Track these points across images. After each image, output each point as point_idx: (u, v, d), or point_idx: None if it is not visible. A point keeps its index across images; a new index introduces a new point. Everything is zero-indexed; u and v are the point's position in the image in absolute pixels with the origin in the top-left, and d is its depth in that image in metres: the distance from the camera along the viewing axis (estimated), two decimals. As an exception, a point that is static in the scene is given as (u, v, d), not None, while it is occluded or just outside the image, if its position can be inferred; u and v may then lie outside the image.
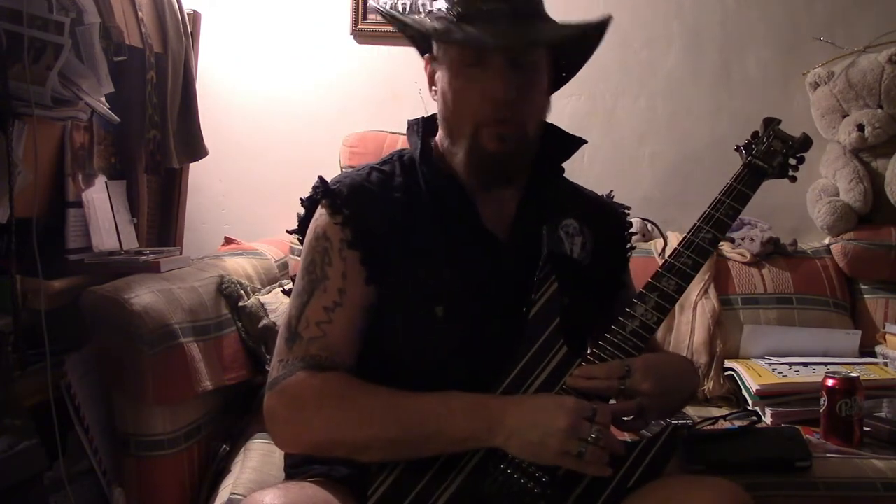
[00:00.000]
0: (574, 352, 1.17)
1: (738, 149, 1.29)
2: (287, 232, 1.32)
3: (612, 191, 1.42)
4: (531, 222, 1.24)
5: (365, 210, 1.19)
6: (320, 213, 1.22)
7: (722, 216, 1.20)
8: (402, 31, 1.25)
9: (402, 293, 1.17)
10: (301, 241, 1.26)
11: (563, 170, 1.32)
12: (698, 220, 1.22)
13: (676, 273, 1.18)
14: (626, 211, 1.40)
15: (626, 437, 1.18)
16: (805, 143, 1.26)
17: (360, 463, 1.13)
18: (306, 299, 1.17)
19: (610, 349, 1.15)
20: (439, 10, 1.18)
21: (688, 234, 1.21)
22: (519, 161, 1.21)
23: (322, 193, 1.22)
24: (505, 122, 1.16)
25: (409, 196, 1.22)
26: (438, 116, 1.24)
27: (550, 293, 1.19)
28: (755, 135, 1.28)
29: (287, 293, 1.30)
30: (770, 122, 1.28)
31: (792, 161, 1.26)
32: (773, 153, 1.25)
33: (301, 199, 1.27)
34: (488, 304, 1.19)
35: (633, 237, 1.44)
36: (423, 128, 1.27)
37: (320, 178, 1.24)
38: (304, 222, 1.26)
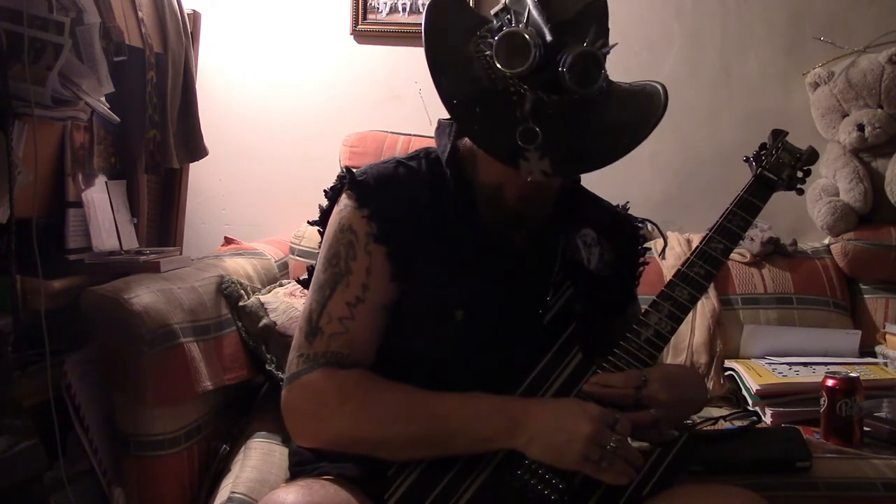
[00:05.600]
0: (588, 359, 1.17)
1: (747, 160, 1.30)
2: (308, 223, 1.31)
3: (627, 202, 1.41)
4: (550, 230, 1.23)
5: (392, 204, 1.17)
6: (345, 205, 1.19)
7: (734, 227, 1.22)
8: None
9: (422, 294, 1.16)
10: (321, 234, 1.25)
11: (580, 179, 1.31)
12: (711, 231, 1.22)
13: (690, 283, 1.19)
14: (640, 225, 1.39)
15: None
16: (812, 156, 1.27)
17: (372, 463, 1.12)
18: (328, 293, 1.15)
19: (625, 357, 1.16)
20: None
21: (700, 244, 1.22)
22: (536, 211, 1.19)
23: (348, 184, 1.20)
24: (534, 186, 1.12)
25: (434, 196, 1.20)
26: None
27: (565, 299, 1.20)
28: (763, 146, 1.29)
29: (303, 283, 1.29)
30: (778, 135, 1.29)
31: (799, 174, 1.27)
32: (782, 165, 1.26)
33: (325, 190, 1.25)
34: (506, 308, 1.18)
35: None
36: (456, 130, 1.23)
37: (346, 167, 1.22)
38: (326, 213, 1.24)
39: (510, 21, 1.09)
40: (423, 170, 1.23)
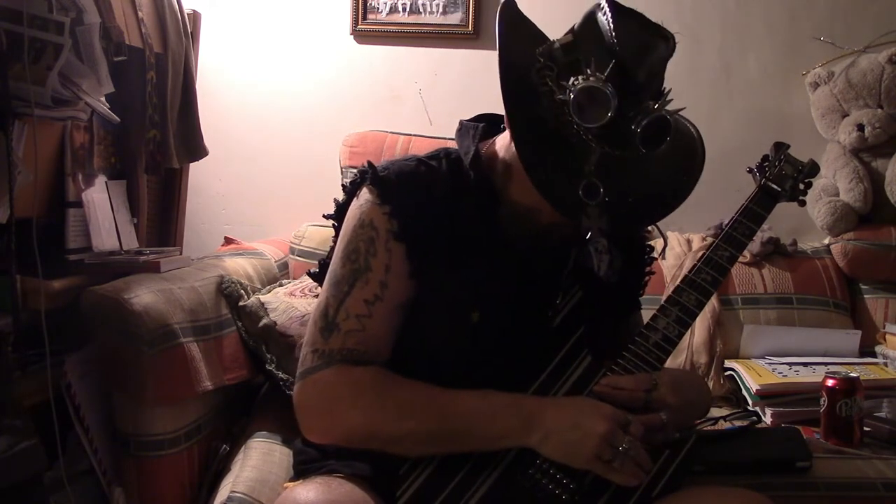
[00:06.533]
0: (597, 362, 1.18)
1: (750, 170, 1.32)
2: (324, 217, 1.30)
3: None
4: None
5: (413, 202, 1.17)
6: (366, 200, 1.18)
7: (739, 236, 1.26)
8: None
9: (439, 294, 1.16)
10: (336, 228, 1.25)
11: None
12: (717, 239, 1.25)
13: (697, 289, 1.22)
14: (648, 234, 1.40)
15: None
16: (813, 169, 1.30)
17: (380, 461, 1.12)
18: (347, 289, 1.15)
19: (634, 360, 1.17)
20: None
21: (707, 251, 1.25)
22: (561, 233, 1.18)
23: (371, 179, 1.19)
24: None
25: (453, 197, 1.19)
26: (504, 150, 1.20)
27: (574, 303, 1.20)
28: (766, 158, 1.31)
29: (314, 277, 1.29)
30: (780, 147, 1.31)
31: (801, 186, 1.30)
32: (785, 177, 1.29)
33: (343, 184, 1.25)
34: (518, 311, 1.18)
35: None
36: (480, 134, 1.22)
37: (369, 162, 1.21)
38: (342, 207, 1.24)
39: (582, 63, 1.06)
40: (443, 169, 1.22)
